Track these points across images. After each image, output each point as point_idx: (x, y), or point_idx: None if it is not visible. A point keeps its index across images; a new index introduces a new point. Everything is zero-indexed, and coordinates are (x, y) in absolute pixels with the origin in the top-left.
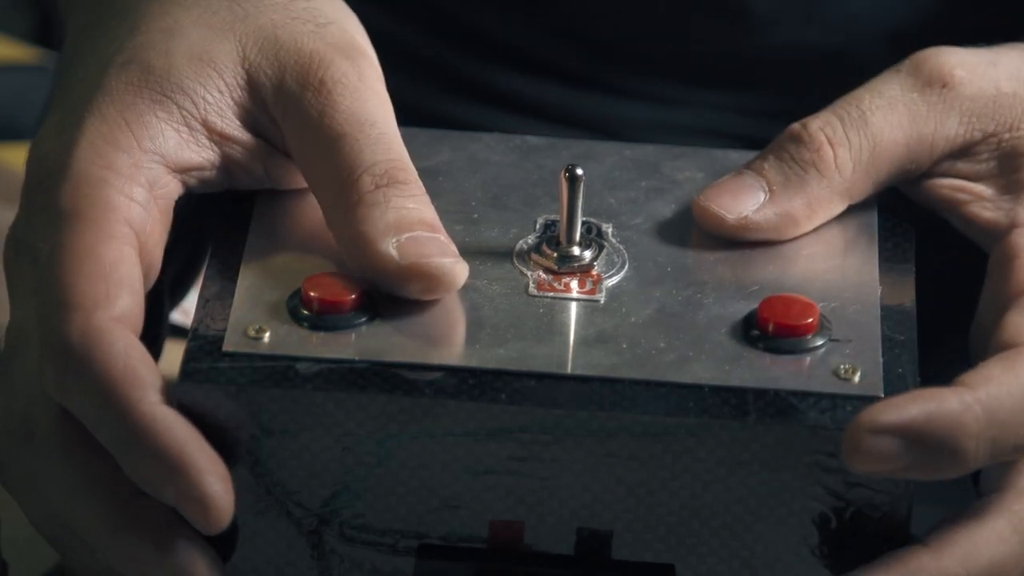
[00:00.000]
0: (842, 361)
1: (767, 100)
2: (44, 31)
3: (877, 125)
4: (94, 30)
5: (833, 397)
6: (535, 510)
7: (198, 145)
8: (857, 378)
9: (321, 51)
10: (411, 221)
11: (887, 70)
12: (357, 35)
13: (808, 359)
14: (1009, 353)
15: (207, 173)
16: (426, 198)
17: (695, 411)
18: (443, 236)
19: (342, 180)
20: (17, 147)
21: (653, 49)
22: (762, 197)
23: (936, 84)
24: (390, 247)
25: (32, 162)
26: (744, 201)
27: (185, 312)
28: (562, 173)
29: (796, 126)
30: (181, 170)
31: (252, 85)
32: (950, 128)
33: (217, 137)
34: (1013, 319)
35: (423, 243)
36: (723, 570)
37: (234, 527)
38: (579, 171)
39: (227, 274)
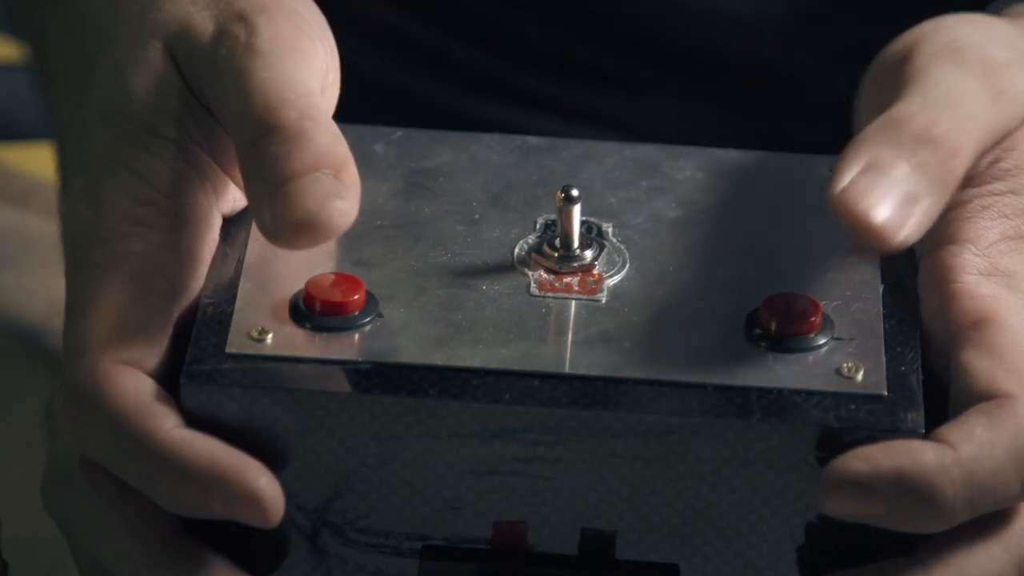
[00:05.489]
0: (845, 359)
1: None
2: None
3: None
4: (72, 83)
5: (836, 395)
6: (539, 510)
7: (208, 170)
8: (860, 376)
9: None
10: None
11: None
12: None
13: (811, 357)
14: (991, 407)
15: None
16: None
17: (698, 410)
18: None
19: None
20: (17, 147)
21: (669, 41)
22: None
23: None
24: None
25: (67, 231)
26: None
27: None
28: (558, 193)
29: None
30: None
31: (189, 87)
32: None
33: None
34: (980, 364)
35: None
36: (727, 570)
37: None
38: (575, 192)
39: (230, 275)
